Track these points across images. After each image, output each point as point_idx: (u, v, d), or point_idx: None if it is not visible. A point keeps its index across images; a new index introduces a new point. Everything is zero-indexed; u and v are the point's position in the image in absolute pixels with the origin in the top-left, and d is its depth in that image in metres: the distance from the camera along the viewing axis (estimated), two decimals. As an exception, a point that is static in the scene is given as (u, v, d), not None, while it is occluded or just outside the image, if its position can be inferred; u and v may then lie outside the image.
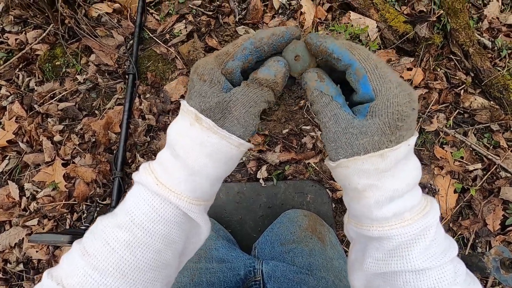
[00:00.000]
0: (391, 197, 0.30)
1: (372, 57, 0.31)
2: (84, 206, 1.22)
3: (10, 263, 1.19)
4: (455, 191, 1.10)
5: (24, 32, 1.40)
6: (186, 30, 1.35)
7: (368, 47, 1.26)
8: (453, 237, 1.09)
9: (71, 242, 0.77)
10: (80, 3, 1.30)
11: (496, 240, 1.07)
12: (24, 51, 1.31)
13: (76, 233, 0.80)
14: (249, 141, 0.35)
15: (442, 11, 1.19)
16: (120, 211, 0.33)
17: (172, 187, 0.32)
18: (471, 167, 1.11)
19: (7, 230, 1.22)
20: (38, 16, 1.35)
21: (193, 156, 0.32)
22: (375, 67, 0.30)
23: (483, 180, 1.10)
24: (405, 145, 0.30)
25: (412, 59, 1.26)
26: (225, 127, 0.32)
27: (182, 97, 1.29)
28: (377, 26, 1.24)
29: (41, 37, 1.31)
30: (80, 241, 0.34)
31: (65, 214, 1.22)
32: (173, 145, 0.33)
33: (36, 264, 1.19)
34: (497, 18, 1.24)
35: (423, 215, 0.31)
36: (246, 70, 0.35)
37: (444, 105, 1.20)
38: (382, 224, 0.31)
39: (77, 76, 1.34)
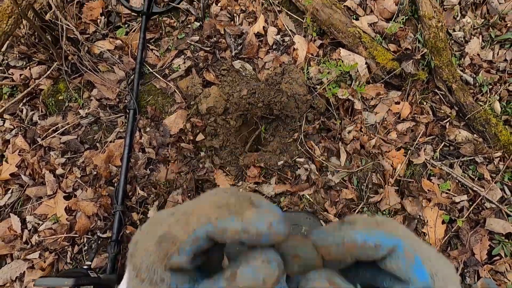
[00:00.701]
0: None
1: (401, 227, 0.24)
2: (85, 239, 1.25)
3: (11, 297, 1.21)
4: (443, 222, 1.15)
5: (28, 67, 1.45)
6: (185, 66, 1.42)
7: (358, 82, 1.33)
8: (443, 266, 1.13)
9: (74, 286, 0.81)
10: (83, 41, 1.36)
11: (484, 270, 1.11)
12: (30, 89, 1.36)
13: (79, 275, 0.84)
14: None
15: (426, 50, 1.26)
16: None
17: None
18: (457, 199, 1.16)
19: (8, 263, 1.24)
20: (42, 52, 1.41)
21: None
22: (415, 240, 0.24)
23: (469, 211, 1.15)
24: None
25: (399, 93, 1.33)
26: None
27: (181, 130, 1.34)
28: (366, 63, 1.32)
29: (46, 75, 1.37)
30: None
31: (66, 247, 1.25)
32: None
33: (37, 298, 1.21)
34: (478, 55, 1.32)
35: None
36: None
37: (431, 137, 1.27)
38: None
39: (79, 111, 1.39)
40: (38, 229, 1.28)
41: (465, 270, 1.13)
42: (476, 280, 1.12)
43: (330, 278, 0.22)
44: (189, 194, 1.29)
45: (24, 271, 1.23)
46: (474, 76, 1.29)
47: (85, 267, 0.91)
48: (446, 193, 1.18)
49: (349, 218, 0.24)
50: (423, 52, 1.26)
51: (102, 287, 0.88)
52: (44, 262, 1.24)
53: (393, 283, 0.24)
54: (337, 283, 0.22)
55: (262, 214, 0.21)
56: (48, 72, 1.37)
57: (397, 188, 1.21)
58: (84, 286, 0.82)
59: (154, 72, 1.42)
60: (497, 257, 1.12)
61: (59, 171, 1.32)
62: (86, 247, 1.25)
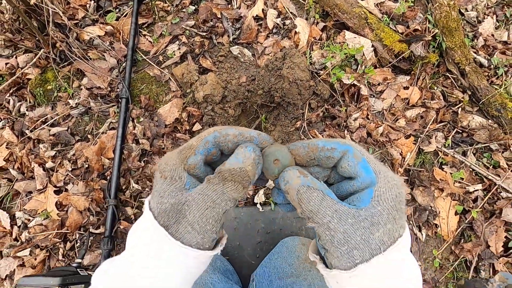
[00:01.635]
0: None
1: (354, 143, 0.31)
2: (77, 235, 1.19)
3: (1, 297, 1.15)
4: (456, 213, 1.08)
5: (15, 56, 1.38)
6: (180, 52, 1.34)
7: (364, 66, 1.25)
8: (456, 260, 1.07)
9: (61, 285, 0.74)
10: (71, 27, 1.28)
11: (500, 263, 1.05)
12: (15, 77, 1.28)
13: (67, 274, 0.77)
14: (218, 241, 0.32)
15: (437, 30, 1.18)
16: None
17: None
18: (471, 188, 1.09)
19: (-2, 261, 1.18)
20: (29, 39, 1.33)
21: (151, 273, 0.28)
22: (364, 150, 0.31)
23: (484, 201, 1.08)
24: (408, 228, 0.28)
25: (408, 77, 1.25)
26: (179, 235, 0.28)
27: (177, 120, 1.27)
28: (372, 45, 1.23)
29: (32, 62, 1.29)
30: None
31: (57, 244, 1.19)
32: (132, 250, 0.31)
33: (28, 297, 1.15)
34: (492, 35, 1.23)
35: None
36: (215, 163, 0.33)
37: (442, 124, 1.19)
38: None
39: (69, 101, 1.31)
40: (28, 225, 1.21)
41: (480, 263, 1.06)
42: (491, 274, 1.05)
43: (299, 169, 0.30)
44: (186, 187, 1.22)
45: (14, 269, 1.17)
46: (489, 58, 1.21)
47: (74, 265, 0.85)
48: (459, 182, 1.11)
49: None
50: (434, 33, 1.18)
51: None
52: (35, 259, 1.18)
53: (347, 183, 0.31)
54: (305, 172, 0.30)
55: (253, 130, 0.32)
56: (35, 59, 1.29)
57: (407, 178, 1.13)
58: (73, 285, 0.76)
59: (147, 59, 1.34)
60: (514, 250, 1.05)
61: (49, 164, 1.26)
62: (78, 244, 1.19)
